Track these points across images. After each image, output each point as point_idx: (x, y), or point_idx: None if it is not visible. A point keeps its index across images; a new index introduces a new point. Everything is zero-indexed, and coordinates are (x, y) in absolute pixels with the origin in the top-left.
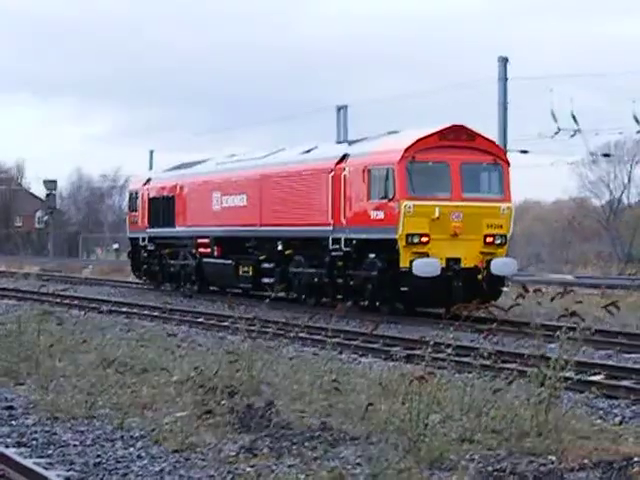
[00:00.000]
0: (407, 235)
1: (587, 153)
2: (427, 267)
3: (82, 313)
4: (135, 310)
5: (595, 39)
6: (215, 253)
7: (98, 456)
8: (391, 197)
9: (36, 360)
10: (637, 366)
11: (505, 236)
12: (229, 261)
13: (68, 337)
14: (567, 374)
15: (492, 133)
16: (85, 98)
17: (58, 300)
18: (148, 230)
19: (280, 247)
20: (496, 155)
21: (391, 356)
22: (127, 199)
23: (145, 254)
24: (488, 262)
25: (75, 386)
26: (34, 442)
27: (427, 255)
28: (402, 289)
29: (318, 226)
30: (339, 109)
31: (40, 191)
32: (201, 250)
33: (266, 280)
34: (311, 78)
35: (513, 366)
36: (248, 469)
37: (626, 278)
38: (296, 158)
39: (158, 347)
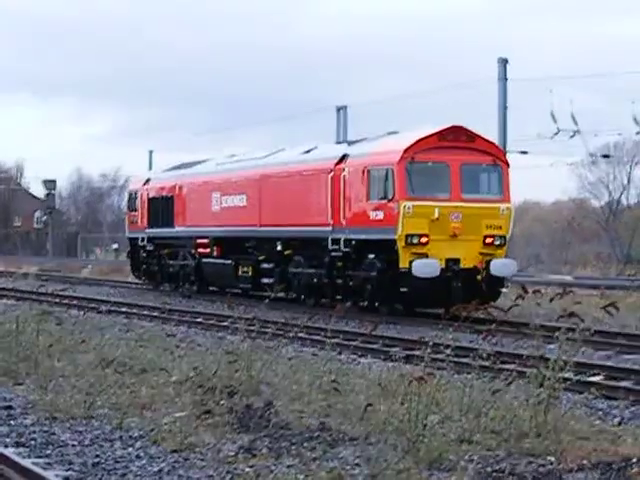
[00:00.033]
0: (406, 236)
1: (586, 154)
2: (426, 268)
3: (81, 313)
4: (134, 310)
5: (595, 39)
6: (214, 253)
7: (97, 456)
8: (390, 198)
9: (35, 360)
10: (636, 367)
11: (504, 237)
12: (228, 261)
13: (67, 337)
14: (566, 375)
15: (492, 134)
16: (85, 98)
17: (57, 300)
18: (147, 230)
19: (279, 247)
20: (495, 156)
21: (390, 357)
22: (126, 199)
23: (144, 254)
24: (487, 263)
25: (74, 386)
26: (33, 442)
27: (426, 256)
28: (401, 290)
29: (317, 226)
30: (339, 109)
31: (39, 191)
32: (200, 250)
33: (265, 280)
34: (311, 78)
35: (512, 367)
36: (247, 469)
37: (625, 279)
38: (296, 158)
39: (157, 347)
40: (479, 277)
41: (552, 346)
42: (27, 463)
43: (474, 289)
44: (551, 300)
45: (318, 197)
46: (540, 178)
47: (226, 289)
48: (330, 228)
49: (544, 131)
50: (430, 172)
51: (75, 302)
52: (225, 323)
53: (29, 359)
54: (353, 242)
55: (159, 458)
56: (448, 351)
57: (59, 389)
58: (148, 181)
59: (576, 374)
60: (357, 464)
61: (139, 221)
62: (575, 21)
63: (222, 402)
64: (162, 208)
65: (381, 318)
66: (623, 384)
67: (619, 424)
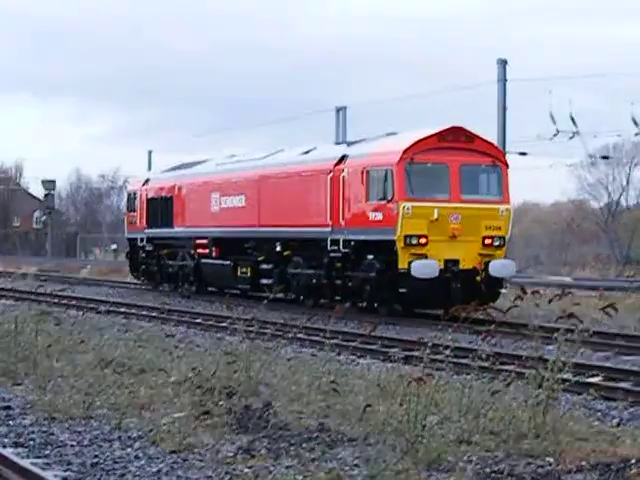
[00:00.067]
0: (405, 236)
1: (586, 155)
2: (425, 268)
3: (80, 313)
4: (133, 310)
5: (595, 40)
6: (213, 254)
7: (95, 456)
8: (390, 198)
9: (34, 360)
10: (635, 368)
11: (504, 238)
12: (227, 262)
13: (66, 337)
14: (565, 376)
15: (491, 135)
16: (85, 98)
17: (56, 300)
18: (146, 231)
19: (279, 248)
20: (495, 157)
21: (389, 357)
22: (125, 199)
23: (143, 254)
24: (486, 264)
25: (73, 386)
26: (31, 442)
27: (425, 256)
28: (400, 290)
29: (317, 227)
30: (338, 110)
31: (39, 191)
32: (199, 251)
33: (264, 281)
34: (311, 79)
35: (511, 368)
36: (246, 470)
37: (624, 280)
38: (295, 159)
39: (156, 348)
40: (478, 278)
41: (551, 347)
42: (26, 463)
43: (473, 290)
44: (550, 301)
45: (317, 198)
46: (539, 179)
47: (225, 290)
48: (329, 229)
49: (543, 132)
50: (429, 173)
51: (74, 302)
52: (224, 324)
53: (28, 359)
54: (352, 243)
55: (158, 459)
56: (447, 352)
57: (58, 389)
58: (147, 181)
59: (575, 375)
60: (356, 465)
61: (138, 221)
62: (575, 21)
63: (221, 403)
64: (161, 208)
65: (380, 319)
66: (622, 385)
67: (618, 425)
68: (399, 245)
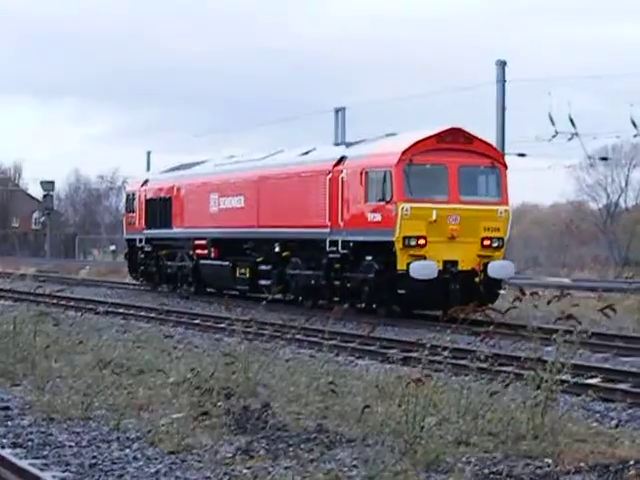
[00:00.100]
0: (404, 237)
1: (585, 157)
2: (424, 270)
3: (79, 314)
4: (132, 311)
5: (594, 41)
6: (212, 255)
7: (94, 457)
8: (388, 199)
9: (32, 361)
10: (634, 369)
11: (502, 239)
12: (226, 263)
13: (64, 338)
14: (563, 377)
15: (490, 136)
16: (85, 98)
17: (55, 301)
18: (145, 231)
19: (277, 249)
20: (494, 158)
21: (388, 358)
22: (124, 200)
23: (142, 255)
24: (485, 265)
25: (71, 387)
26: (30, 443)
27: (424, 258)
28: (399, 291)
29: (315, 228)
30: (337, 111)
31: (38, 192)
32: (198, 251)
33: (263, 282)
34: (311, 79)
35: (510, 369)
36: (244, 471)
37: (623, 281)
38: (294, 160)
39: (154, 348)
40: (477, 279)
41: (549, 348)
42: (24, 464)
43: (472, 291)
44: (549, 302)
45: (316, 199)
46: (538, 181)
47: (224, 290)
48: (328, 230)
49: (542, 133)
50: (428, 174)
51: (73, 303)
52: (222, 325)
53: (26, 360)
54: (351, 244)
55: (156, 459)
56: (446, 353)
57: (56, 390)
58: (146, 182)
59: (573, 376)
60: (354, 466)
61: (137, 222)
62: (575, 22)
63: (219, 404)
64: (160, 209)
65: (379, 320)
66: (620, 386)
67: (616, 426)
68: (398, 246)
